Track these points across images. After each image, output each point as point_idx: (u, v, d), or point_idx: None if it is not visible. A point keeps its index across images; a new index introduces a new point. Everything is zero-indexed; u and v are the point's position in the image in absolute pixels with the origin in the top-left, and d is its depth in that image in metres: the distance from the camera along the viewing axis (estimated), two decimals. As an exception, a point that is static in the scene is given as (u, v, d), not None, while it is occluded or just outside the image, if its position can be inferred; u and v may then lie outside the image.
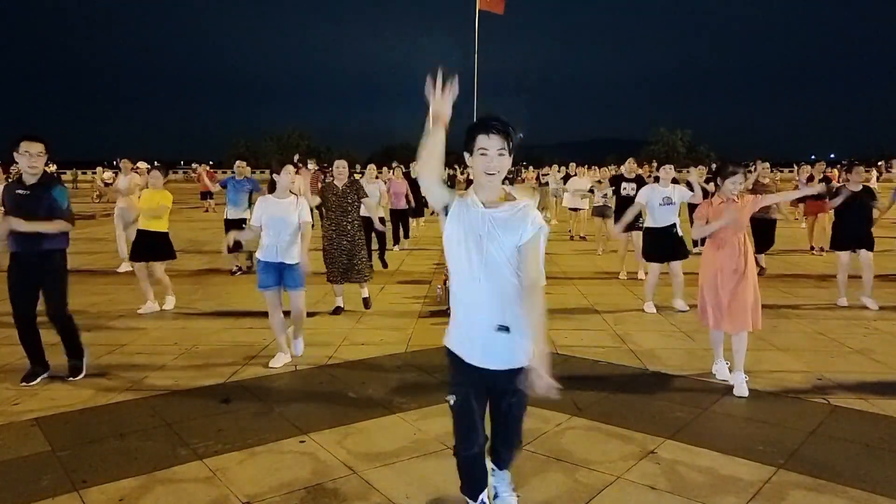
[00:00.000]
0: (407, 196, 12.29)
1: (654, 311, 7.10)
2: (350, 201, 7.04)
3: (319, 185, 10.12)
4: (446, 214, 2.54)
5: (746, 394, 4.48)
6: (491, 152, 2.45)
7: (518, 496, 3.06)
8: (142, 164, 11.93)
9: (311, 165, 16.33)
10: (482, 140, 2.47)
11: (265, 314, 6.94)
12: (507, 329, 2.50)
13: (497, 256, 2.47)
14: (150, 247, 7.17)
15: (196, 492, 3.22)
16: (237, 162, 9.86)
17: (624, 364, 5.23)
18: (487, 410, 2.75)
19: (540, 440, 3.79)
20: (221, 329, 6.40)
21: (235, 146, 72.82)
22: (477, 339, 2.56)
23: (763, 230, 9.20)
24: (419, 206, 13.63)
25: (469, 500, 2.80)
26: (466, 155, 2.54)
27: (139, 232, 7.29)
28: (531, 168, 24.90)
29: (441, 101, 2.45)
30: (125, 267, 9.67)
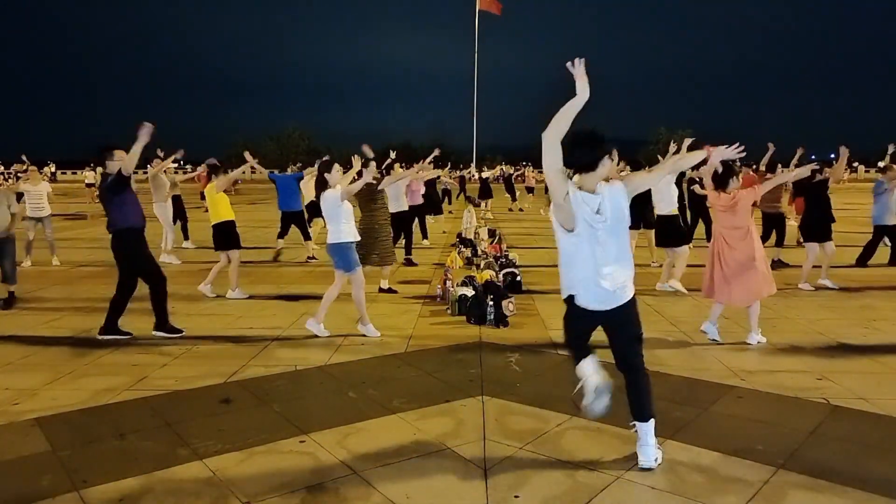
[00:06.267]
0: (424, 194, 12.50)
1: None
2: (380, 197, 8.02)
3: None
4: (563, 199, 3.24)
5: (765, 340, 5.73)
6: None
7: (660, 450, 3.48)
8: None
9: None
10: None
11: (265, 315, 6.97)
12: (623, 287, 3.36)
13: (608, 227, 3.23)
14: (229, 236, 7.92)
15: (196, 492, 3.22)
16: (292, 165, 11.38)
17: (624, 364, 5.22)
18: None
19: (540, 440, 3.79)
20: (221, 329, 6.40)
21: (235, 146, 72.67)
22: (594, 292, 3.44)
23: (774, 223, 9.99)
24: (437, 204, 13.95)
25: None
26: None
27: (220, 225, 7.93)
28: (531, 166, 25.01)
29: (582, 81, 3.14)
30: (165, 258, 10.59)
